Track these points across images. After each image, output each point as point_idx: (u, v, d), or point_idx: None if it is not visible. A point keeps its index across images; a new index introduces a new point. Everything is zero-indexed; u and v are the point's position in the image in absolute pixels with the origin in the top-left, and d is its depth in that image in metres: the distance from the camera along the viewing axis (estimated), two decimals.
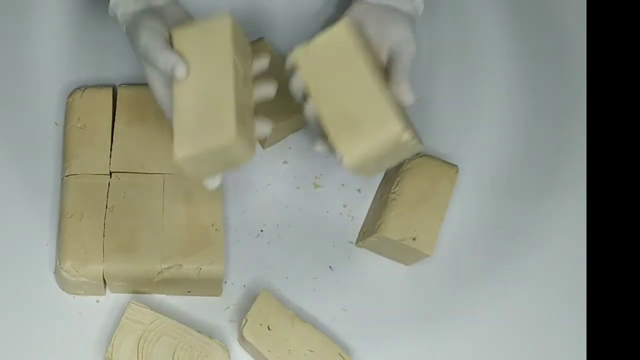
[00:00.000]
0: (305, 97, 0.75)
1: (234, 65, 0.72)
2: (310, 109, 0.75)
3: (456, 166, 0.86)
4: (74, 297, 0.83)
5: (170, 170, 0.83)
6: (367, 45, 0.77)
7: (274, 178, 0.90)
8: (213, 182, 0.75)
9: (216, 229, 0.81)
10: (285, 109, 0.87)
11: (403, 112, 0.74)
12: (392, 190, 0.84)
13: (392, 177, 0.87)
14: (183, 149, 0.69)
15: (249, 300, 0.82)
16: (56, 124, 0.89)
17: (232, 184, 0.88)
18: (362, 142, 0.71)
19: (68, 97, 0.87)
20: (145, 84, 0.88)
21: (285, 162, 0.91)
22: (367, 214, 0.89)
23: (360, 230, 0.88)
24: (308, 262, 0.86)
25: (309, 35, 0.96)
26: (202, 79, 0.72)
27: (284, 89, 0.88)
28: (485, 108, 0.96)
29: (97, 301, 0.83)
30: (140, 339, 0.76)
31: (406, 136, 0.70)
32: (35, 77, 0.92)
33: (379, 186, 0.90)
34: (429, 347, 0.84)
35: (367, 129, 0.71)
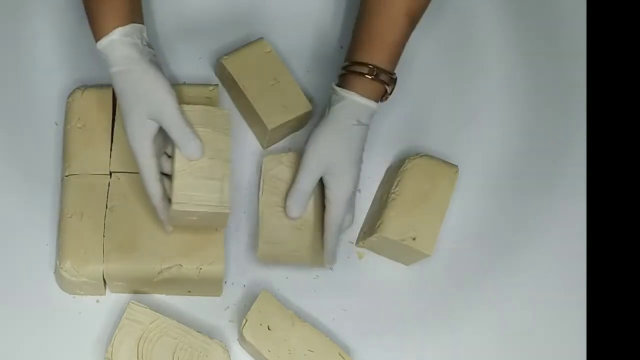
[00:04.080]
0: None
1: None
2: None
3: (456, 166, 0.86)
4: (73, 297, 0.83)
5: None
6: None
7: None
8: (169, 229, 0.81)
9: (216, 229, 0.81)
10: (285, 109, 0.87)
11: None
12: (392, 190, 0.84)
13: (392, 177, 0.87)
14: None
15: (249, 300, 0.82)
16: (56, 124, 0.89)
17: (231, 184, 0.88)
18: None
19: (68, 97, 0.87)
20: None
21: None
22: (367, 214, 0.89)
23: (360, 230, 0.88)
24: None
25: (309, 35, 0.96)
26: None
27: (283, 89, 0.89)
28: (485, 108, 0.96)
29: (97, 301, 0.83)
30: (140, 339, 0.76)
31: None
32: (35, 77, 0.92)
33: (379, 186, 0.90)
34: (429, 347, 0.84)
35: None
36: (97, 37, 0.78)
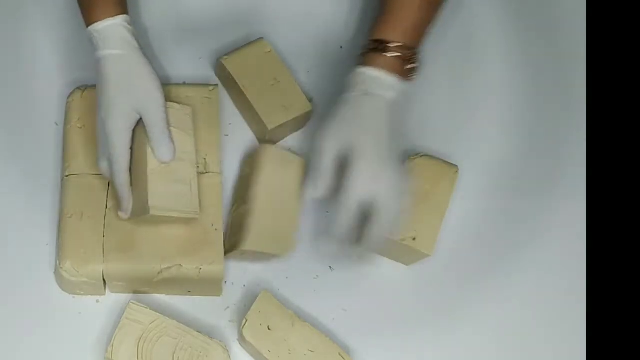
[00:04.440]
0: None
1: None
2: None
3: (456, 166, 0.86)
4: (73, 297, 0.83)
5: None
6: None
7: None
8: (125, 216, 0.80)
9: (216, 229, 0.81)
10: (285, 109, 0.87)
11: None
12: None
13: None
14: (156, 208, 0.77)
15: (249, 300, 0.82)
16: (56, 124, 0.89)
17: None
18: None
19: (68, 97, 0.87)
20: None
21: None
22: None
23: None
24: (308, 262, 0.86)
25: (309, 35, 0.96)
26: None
27: (283, 89, 0.89)
28: (485, 108, 0.96)
29: (97, 301, 0.83)
30: (140, 339, 0.76)
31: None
32: (35, 77, 0.92)
33: None
34: (429, 347, 0.84)
35: None
36: (95, 18, 0.78)
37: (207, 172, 0.84)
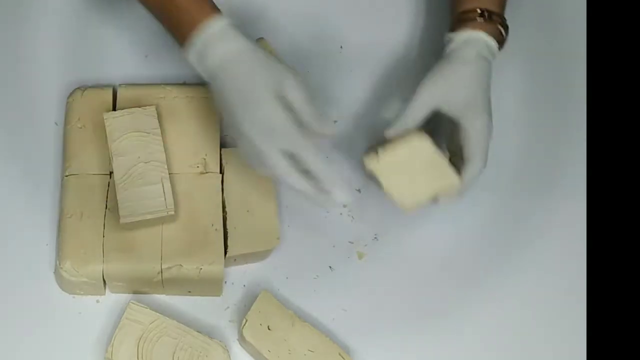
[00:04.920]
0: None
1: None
2: None
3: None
4: (73, 297, 0.83)
5: (170, 170, 0.83)
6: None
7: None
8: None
9: (216, 229, 0.81)
10: None
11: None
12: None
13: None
14: None
15: (249, 300, 0.82)
16: (56, 124, 0.89)
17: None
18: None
19: (68, 97, 0.87)
20: (145, 84, 0.88)
21: None
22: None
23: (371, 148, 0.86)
24: (308, 262, 0.86)
25: (309, 35, 0.96)
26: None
27: None
28: None
29: (97, 301, 0.83)
30: (140, 339, 0.76)
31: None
32: (35, 77, 0.92)
33: None
34: (429, 347, 0.84)
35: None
36: (203, 21, 0.75)
37: (207, 172, 0.84)
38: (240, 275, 0.85)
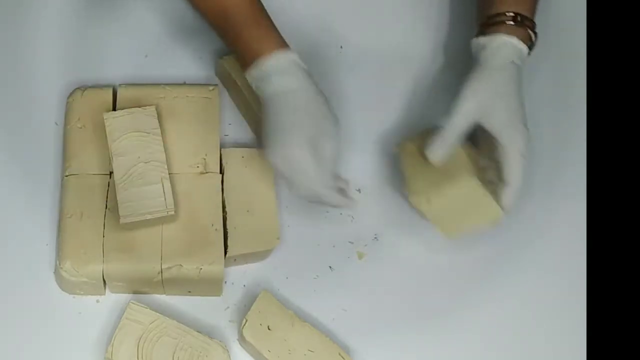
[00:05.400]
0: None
1: None
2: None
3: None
4: (73, 297, 0.83)
5: (169, 170, 0.83)
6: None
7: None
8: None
9: (216, 229, 0.81)
10: None
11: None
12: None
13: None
14: None
15: (249, 300, 0.82)
16: (56, 123, 0.89)
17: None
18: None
19: (68, 97, 0.87)
20: (145, 84, 0.88)
21: None
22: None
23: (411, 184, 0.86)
24: (308, 262, 0.86)
25: (309, 35, 0.96)
26: None
27: None
28: None
29: (97, 301, 0.83)
30: (140, 339, 0.76)
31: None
32: (35, 77, 0.92)
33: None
34: (429, 347, 0.84)
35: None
36: (271, 50, 0.79)
37: (207, 172, 0.84)
38: (240, 275, 0.85)
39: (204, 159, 0.85)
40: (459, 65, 0.97)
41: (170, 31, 0.95)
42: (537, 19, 1.00)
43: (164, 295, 0.83)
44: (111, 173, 0.83)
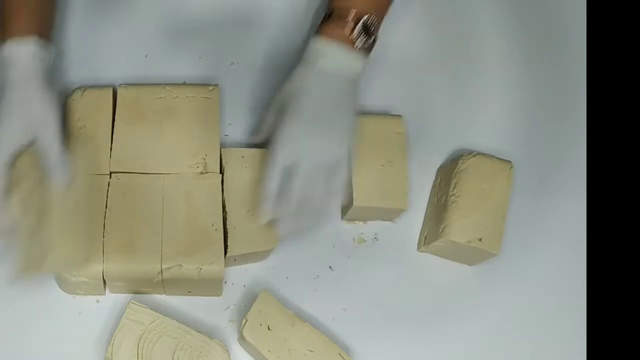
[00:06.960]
0: None
1: None
2: None
3: (510, 162, 0.86)
4: (73, 297, 0.83)
5: (169, 170, 0.83)
6: None
7: None
8: None
9: (216, 229, 0.81)
10: None
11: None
12: (451, 193, 0.84)
13: (446, 179, 0.86)
14: None
15: (249, 300, 0.82)
16: None
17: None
18: None
19: (68, 97, 0.87)
20: (145, 84, 0.88)
21: None
22: (425, 217, 0.89)
23: (421, 235, 0.88)
24: (308, 262, 0.86)
25: (309, 35, 0.96)
26: None
27: None
28: (485, 108, 0.95)
29: (97, 301, 0.83)
30: (140, 339, 0.76)
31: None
32: None
33: (432, 190, 0.90)
34: (428, 347, 0.84)
35: None
36: (8, 35, 0.78)
37: (207, 172, 0.84)
38: (240, 275, 0.85)
39: (204, 159, 0.85)
40: (457, 66, 0.98)
41: (170, 31, 0.95)
42: (537, 19, 1.01)
43: (164, 295, 0.83)
44: (111, 173, 0.83)
